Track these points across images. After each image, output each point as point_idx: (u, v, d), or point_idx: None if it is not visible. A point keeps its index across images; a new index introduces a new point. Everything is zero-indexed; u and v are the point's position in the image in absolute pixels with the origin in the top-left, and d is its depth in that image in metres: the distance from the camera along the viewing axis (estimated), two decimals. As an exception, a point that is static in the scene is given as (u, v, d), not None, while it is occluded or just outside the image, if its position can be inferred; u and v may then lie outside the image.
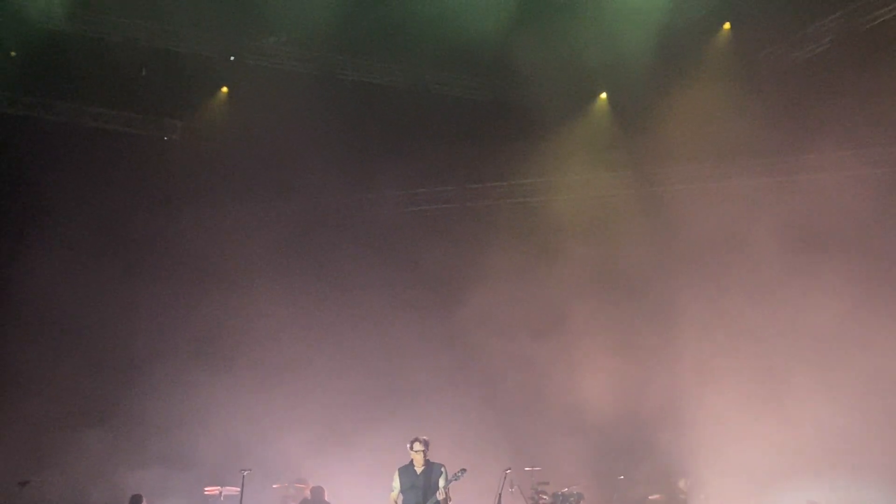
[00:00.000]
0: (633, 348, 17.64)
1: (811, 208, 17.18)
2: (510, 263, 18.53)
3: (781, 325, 17.03)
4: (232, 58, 19.78)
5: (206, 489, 17.31)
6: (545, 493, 15.22)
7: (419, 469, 12.15)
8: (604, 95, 20.09)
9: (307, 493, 16.13)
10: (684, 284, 17.88)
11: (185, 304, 19.75)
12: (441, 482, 12.03)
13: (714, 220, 18.07)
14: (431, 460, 12.20)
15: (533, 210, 20.05)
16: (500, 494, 13.35)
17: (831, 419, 15.76)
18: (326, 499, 15.68)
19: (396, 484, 12.21)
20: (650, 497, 15.98)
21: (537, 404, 17.99)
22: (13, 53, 18.34)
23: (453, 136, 19.67)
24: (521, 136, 19.54)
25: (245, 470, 14.82)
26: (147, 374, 18.95)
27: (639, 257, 18.53)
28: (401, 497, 12.15)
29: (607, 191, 19.88)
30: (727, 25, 18.89)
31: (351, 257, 19.86)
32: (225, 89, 20.44)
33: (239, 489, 15.06)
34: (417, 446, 12.18)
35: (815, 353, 16.28)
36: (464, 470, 12.07)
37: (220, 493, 17.04)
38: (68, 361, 18.54)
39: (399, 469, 12.28)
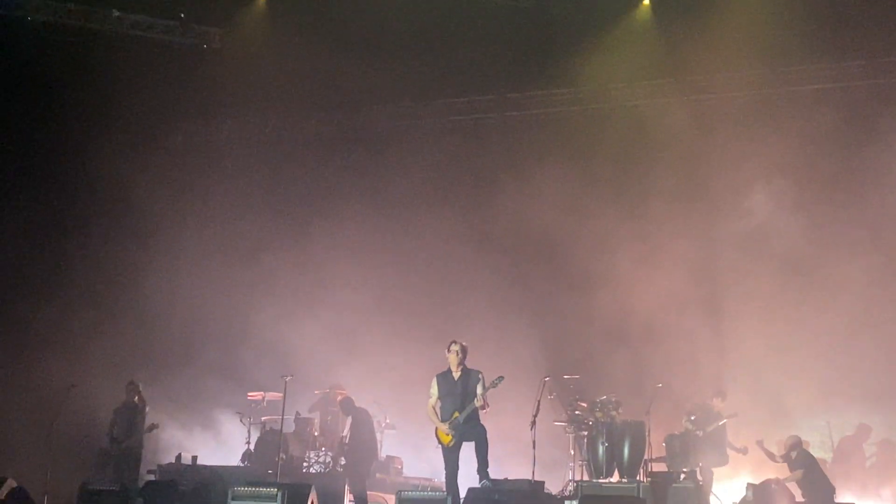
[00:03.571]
0: (675, 261, 17.43)
1: (868, 114, 16.83)
2: (549, 173, 18.31)
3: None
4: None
5: (249, 394, 17.68)
6: (583, 401, 15.27)
7: (456, 375, 12.24)
8: (647, 1, 19.58)
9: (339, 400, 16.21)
10: (729, 197, 17.61)
11: (224, 215, 19.92)
12: (479, 389, 12.12)
13: (761, 129, 17.77)
14: (469, 367, 12.29)
15: (573, 119, 19.71)
16: (538, 401, 13.36)
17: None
18: (362, 406, 15.70)
19: (434, 390, 12.33)
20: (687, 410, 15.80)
21: (576, 313, 17.95)
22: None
23: (492, 43, 19.29)
24: (562, 42, 19.14)
25: (286, 376, 15.02)
26: (193, 288, 19.29)
27: (681, 167, 18.26)
28: (439, 403, 12.28)
29: (650, 100, 19.47)
30: (779, -75, 18.25)
31: (391, 168, 19.81)
32: (264, -3, 20.25)
33: (281, 394, 15.30)
34: (454, 347, 12.26)
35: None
36: (501, 377, 12.15)
37: (263, 398, 17.39)
38: (114, 276, 19.05)
39: (437, 376, 12.38)
